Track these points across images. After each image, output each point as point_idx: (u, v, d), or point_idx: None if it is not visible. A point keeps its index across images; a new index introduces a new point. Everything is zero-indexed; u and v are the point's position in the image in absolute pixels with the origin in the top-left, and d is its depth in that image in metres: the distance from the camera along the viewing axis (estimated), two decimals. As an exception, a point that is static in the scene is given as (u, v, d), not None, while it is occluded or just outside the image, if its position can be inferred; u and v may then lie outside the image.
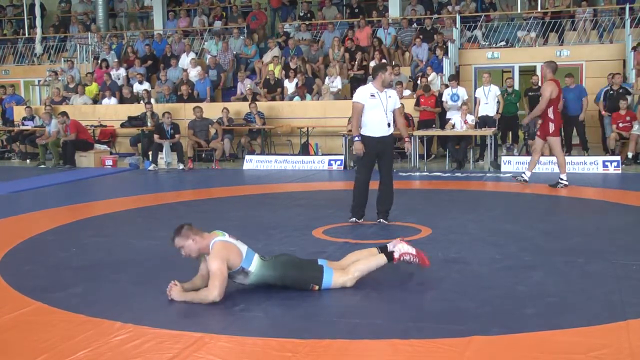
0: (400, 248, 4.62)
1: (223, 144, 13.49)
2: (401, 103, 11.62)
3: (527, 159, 11.46)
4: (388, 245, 4.71)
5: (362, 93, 6.60)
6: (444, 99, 13.08)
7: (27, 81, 19.42)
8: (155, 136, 13.00)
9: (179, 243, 4.31)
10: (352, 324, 3.78)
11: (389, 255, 4.59)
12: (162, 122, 13.19)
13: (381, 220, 6.75)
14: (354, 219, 6.77)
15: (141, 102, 15.16)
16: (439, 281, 4.64)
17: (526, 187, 9.24)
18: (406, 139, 7.16)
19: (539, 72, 14.87)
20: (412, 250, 4.62)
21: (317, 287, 4.36)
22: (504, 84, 14.00)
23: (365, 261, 4.54)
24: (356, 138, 6.59)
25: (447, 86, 13.42)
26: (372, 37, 15.84)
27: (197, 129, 13.31)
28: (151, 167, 12.65)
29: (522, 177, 9.49)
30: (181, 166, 12.68)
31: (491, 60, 15.50)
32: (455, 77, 13.52)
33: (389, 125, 6.61)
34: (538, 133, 9.31)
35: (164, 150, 12.86)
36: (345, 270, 4.47)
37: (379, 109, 6.54)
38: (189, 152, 13.01)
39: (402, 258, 4.60)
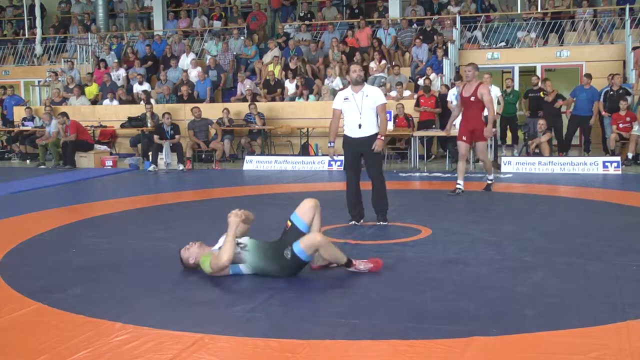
0: (360, 267, 4.84)
1: (223, 144, 13.49)
2: (401, 104, 11.26)
3: (527, 159, 11.50)
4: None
5: (338, 98, 6.79)
6: (448, 98, 13.08)
7: (27, 82, 19.42)
8: (155, 137, 13.00)
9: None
10: (352, 324, 3.78)
11: (348, 262, 4.80)
12: (162, 123, 13.19)
13: (380, 222, 6.74)
14: (353, 222, 6.77)
15: (141, 102, 15.17)
16: (438, 282, 4.64)
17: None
18: (379, 137, 6.69)
19: (539, 73, 14.91)
20: (366, 269, 4.82)
21: (289, 254, 4.65)
22: (504, 85, 14.01)
23: (337, 247, 4.82)
24: (329, 144, 7.01)
25: (447, 87, 13.46)
26: (372, 37, 15.85)
27: (197, 129, 13.32)
28: (151, 168, 12.65)
29: (458, 188, 8.59)
30: (181, 167, 12.68)
31: (491, 61, 15.50)
32: (460, 78, 13.54)
33: (359, 126, 6.61)
34: (464, 138, 8.52)
35: (163, 151, 12.87)
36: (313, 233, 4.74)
37: (352, 111, 6.63)
38: (188, 153, 13.01)
39: (357, 267, 4.82)
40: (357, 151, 6.74)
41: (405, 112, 12.93)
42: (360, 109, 6.58)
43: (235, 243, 4.74)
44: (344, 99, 6.68)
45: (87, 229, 6.95)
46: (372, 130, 6.66)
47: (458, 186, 8.58)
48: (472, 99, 8.29)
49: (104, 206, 8.61)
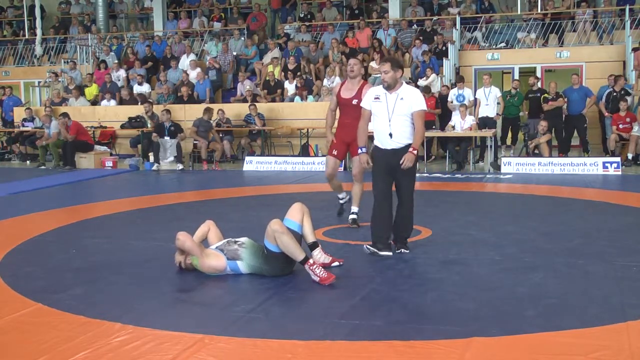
0: (315, 269, 4.60)
1: (223, 145, 13.49)
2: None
3: (527, 160, 11.50)
4: (318, 253, 4.99)
5: (368, 96, 5.63)
6: (449, 99, 13.11)
7: (27, 82, 19.41)
8: (154, 135, 12.97)
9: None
10: (352, 325, 3.78)
11: (304, 260, 4.64)
12: (162, 122, 13.17)
13: (402, 250, 5.54)
14: (366, 246, 5.50)
15: (140, 103, 15.16)
16: (439, 282, 4.64)
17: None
18: (411, 150, 5.36)
19: (539, 74, 14.90)
20: (316, 278, 4.57)
21: (265, 250, 4.80)
22: (510, 85, 14.00)
23: (293, 240, 4.69)
24: (360, 150, 5.71)
25: (448, 87, 13.48)
26: (372, 38, 15.85)
27: (202, 128, 13.30)
28: (154, 167, 12.65)
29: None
30: (180, 166, 12.67)
31: (491, 62, 15.50)
32: (463, 79, 13.57)
33: (390, 135, 5.39)
34: (335, 152, 6.82)
35: (166, 151, 12.85)
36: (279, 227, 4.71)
37: (381, 116, 5.45)
38: (203, 154, 12.96)
39: (309, 269, 4.60)
40: (389, 164, 5.42)
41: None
42: (390, 114, 5.38)
43: (233, 241, 4.94)
44: (375, 98, 5.51)
45: (87, 229, 6.96)
46: (406, 140, 5.40)
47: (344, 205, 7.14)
48: (355, 102, 6.40)
49: (104, 207, 8.61)
